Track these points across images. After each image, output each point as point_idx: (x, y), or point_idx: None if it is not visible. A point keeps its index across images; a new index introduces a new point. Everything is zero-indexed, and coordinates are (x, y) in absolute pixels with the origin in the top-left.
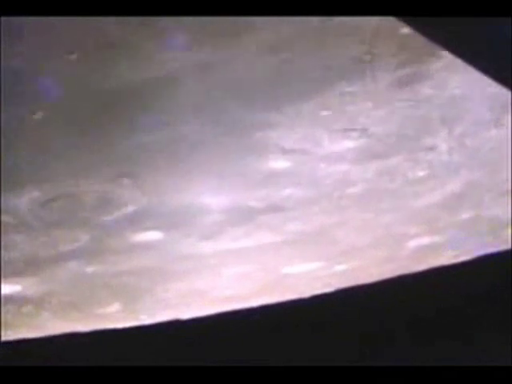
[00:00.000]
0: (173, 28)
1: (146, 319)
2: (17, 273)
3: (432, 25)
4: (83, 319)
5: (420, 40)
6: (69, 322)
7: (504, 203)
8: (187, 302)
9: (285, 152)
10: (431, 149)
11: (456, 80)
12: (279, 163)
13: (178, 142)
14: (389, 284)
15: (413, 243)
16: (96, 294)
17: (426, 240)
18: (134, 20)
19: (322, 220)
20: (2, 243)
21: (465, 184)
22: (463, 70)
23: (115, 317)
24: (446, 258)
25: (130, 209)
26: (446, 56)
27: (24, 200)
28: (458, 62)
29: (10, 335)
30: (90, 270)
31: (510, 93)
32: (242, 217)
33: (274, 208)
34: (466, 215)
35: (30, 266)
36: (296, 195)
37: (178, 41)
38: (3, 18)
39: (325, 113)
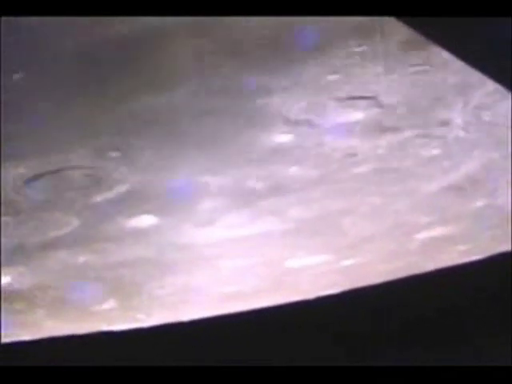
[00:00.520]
0: None
1: (143, 319)
2: (5, 261)
3: (432, 25)
4: (78, 318)
5: None
6: (64, 321)
7: None
8: (185, 299)
9: (287, 123)
10: (445, 123)
11: None
12: (281, 137)
13: (170, 109)
14: (392, 285)
15: (423, 235)
16: (90, 289)
17: (436, 232)
18: None
19: (327, 205)
20: None
21: (480, 166)
22: None
23: (111, 315)
24: (457, 254)
25: (122, 189)
26: None
27: (8, 177)
28: None
29: (5, 336)
30: (81, 259)
31: None
32: (243, 200)
33: (277, 190)
34: (479, 203)
35: (18, 254)
36: (300, 175)
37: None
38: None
39: (331, 77)
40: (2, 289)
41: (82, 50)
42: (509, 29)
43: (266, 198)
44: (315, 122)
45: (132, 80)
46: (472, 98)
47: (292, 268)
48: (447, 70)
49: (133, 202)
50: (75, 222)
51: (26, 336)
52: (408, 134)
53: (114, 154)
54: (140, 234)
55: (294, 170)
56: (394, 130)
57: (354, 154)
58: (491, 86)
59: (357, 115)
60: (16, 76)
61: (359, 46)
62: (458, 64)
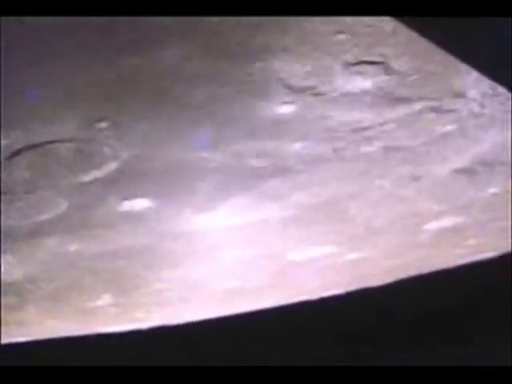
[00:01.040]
0: None
1: (142, 318)
2: None
3: (432, 25)
4: (72, 315)
5: None
6: (57, 318)
7: None
8: (184, 295)
9: (290, 90)
10: (460, 95)
11: None
12: (284, 107)
13: (161, 72)
14: (394, 287)
15: (433, 225)
16: (83, 282)
17: (447, 222)
18: None
19: (333, 188)
20: None
21: (495, 146)
22: None
23: (107, 313)
24: (467, 250)
25: (112, 166)
26: None
27: None
28: None
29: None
30: (72, 248)
31: None
32: (244, 183)
33: (280, 171)
34: (492, 189)
35: (6, 242)
36: (304, 153)
37: None
38: None
39: (338, 37)
40: None
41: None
42: (509, 29)
43: (267, 179)
44: (320, 90)
45: (121, 40)
46: None
47: (295, 261)
48: None
49: (123, 182)
50: (63, 205)
51: (18, 336)
52: (420, 106)
53: (102, 125)
54: (133, 218)
55: (297, 146)
56: (405, 101)
57: (362, 129)
58: None
59: (364, 83)
60: None
61: None
62: None
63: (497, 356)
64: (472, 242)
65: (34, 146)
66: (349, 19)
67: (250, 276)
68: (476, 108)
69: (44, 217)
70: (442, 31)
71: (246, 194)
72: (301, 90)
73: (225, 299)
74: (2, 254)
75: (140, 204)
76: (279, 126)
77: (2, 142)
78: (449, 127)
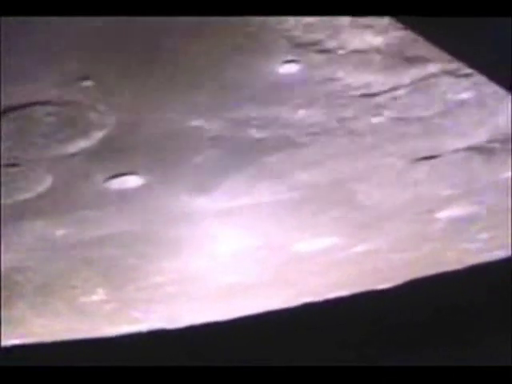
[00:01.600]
0: None
1: (139, 317)
2: None
3: (431, 25)
4: (66, 313)
5: None
6: (50, 316)
7: None
8: (182, 292)
9: (293, 45)
10: None
11: None
12: (287, 66)
13: (149, 24)
14: (398, 289)
15: (445, 213)
16: (74, 274)
17: (459, 210)
18: None
19: (340, 169)
20: None
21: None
22: None
23: (102, 309)
24: (478, 245)
25: (98, 135)
26: None
27: None
28: None
29: None
30: (59, 233)
31: None
32: (243, 157)
33: (281, 143)
34: (508, 172)
35: None
36: (308, 123)
37: None
38: None
39: None
40: None
41: None
42: (509, 29)
43: (269, 154)
44: (326, 46)
45: None
46: None
47: (299, 252)
48: None
49: (111, 155)
50: (48, 180)
51: (11, 337)
52: (434, 69)
53: (86, 83)
54: (124, 198)
55: (301, 114)
56: (418, 62)
57: (371, 95)
58: None
59: (374, 39)
60: None
61: None
62: None
63: (505, 357)
64: (485, 235)
65: (11, 109)
66: None
67: (250, 270)
68: None
69: (27, 195)
70: (442, 31)
71: (246, 172)
72: (305, 46)
73: (224, 292)
74: None
75: (128, 182)
76: (281, 90)
77: None
78: (464, 95)
